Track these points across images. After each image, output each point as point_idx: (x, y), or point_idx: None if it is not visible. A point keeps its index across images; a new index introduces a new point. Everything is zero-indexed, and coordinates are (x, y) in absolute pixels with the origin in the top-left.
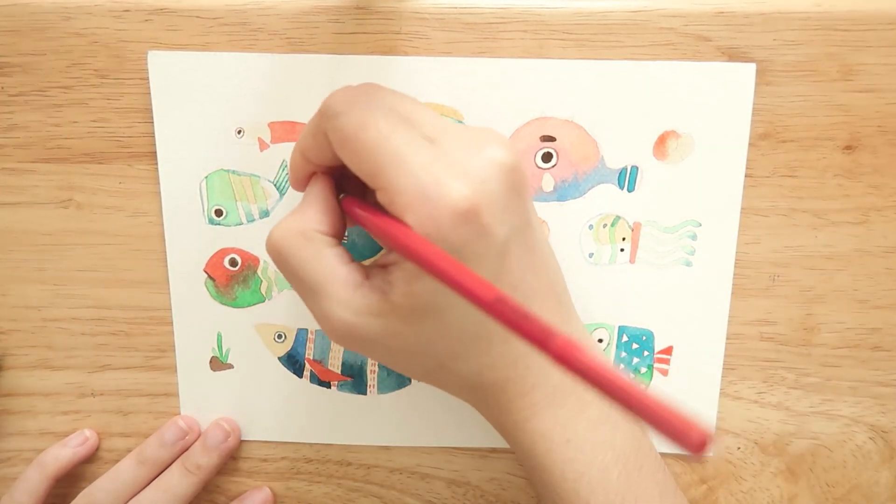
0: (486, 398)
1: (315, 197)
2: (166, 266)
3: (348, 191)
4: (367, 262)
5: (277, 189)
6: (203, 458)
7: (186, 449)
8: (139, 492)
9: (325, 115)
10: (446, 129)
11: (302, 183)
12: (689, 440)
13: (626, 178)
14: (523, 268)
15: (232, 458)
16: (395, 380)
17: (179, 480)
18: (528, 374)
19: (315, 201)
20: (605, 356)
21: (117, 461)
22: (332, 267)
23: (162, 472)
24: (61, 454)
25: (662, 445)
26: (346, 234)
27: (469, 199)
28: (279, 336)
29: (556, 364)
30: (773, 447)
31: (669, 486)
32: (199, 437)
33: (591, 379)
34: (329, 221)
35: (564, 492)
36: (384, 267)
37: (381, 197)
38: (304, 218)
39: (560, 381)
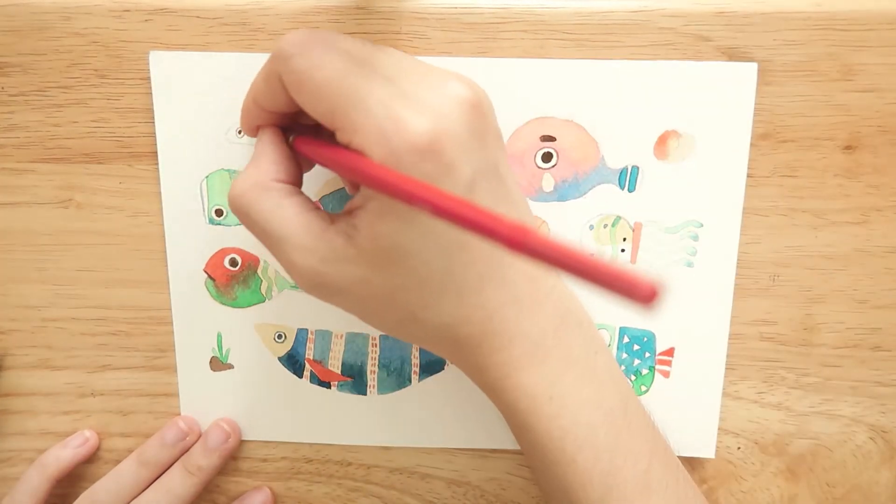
0: (464, 353)
1: (266, 146)
2: (166, 266)
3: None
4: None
5: None
6: (204, 459)
7: (187, 450)
8: (140, 493)
9: (279, 58)
10: (406, 68)
11: (253, 130)
12: (640, 293)
13: (627, 179)
14: (494, 208)
15: (232, 458)
16: (395, 380)
17: (180, 481)
18: (504, 328)
19: (266, 151)
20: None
21: (118, 461)
22: (293, 215)
23: (163, 472)
24: (62, 455)
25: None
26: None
27: (429, 133)
28: (279, 336)
29: (510, 251)
30: (773, 447)
31: (660, 443)
32: (199, 437)
33: (542, 256)
34: (284, 169)
35: (550, 451)
36: (349, 212)
37: (340, 137)
38: (259, 170)
39: (541, 337)
